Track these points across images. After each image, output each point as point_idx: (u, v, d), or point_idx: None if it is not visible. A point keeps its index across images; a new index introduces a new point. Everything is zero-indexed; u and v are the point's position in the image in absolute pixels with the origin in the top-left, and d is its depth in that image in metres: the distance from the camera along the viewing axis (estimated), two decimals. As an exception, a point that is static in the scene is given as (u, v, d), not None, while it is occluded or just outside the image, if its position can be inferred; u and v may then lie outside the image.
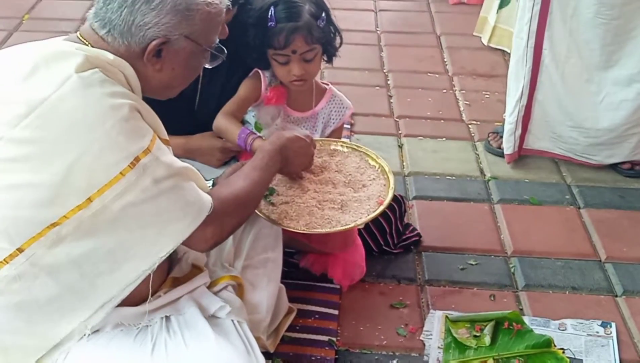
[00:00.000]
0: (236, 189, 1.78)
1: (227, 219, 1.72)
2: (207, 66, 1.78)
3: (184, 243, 1.63)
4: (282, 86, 2.36)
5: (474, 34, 4.41)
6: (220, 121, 2.33)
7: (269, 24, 2.23)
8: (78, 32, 1.67)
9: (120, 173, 1.51)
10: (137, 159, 1.52)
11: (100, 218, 1.51)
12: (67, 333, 1.60)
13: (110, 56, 1.60)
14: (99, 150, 1.50)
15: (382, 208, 2.12)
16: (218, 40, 2.14)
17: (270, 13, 2.22)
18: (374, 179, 2.24)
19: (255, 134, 2.25)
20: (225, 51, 1.77)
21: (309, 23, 2.23)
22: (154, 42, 1.61)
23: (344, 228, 2.08)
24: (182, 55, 1.67)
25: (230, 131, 2.31)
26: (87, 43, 1.64)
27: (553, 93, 2.99)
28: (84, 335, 1.61)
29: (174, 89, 1.76)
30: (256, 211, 2.02)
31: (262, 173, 1.89)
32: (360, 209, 2.13)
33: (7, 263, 1.52)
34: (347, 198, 2.15)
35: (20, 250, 1.51)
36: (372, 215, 2.11)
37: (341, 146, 2.35)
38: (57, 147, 1.50)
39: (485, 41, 4.31)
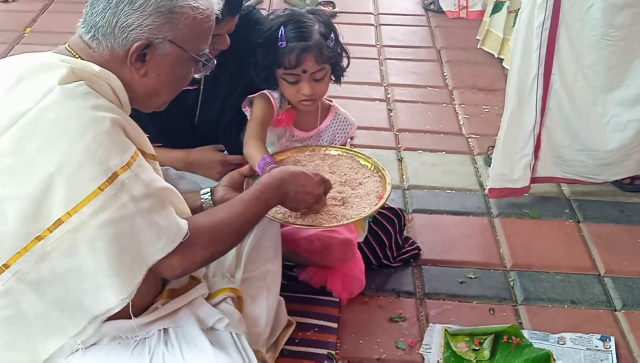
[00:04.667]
0: (215, 220, 1.71)
1: (198, 251, 1.65)
2: (196, 76, 1.76)
3: (151, 268, 1.59)
4: (292, 108, 2.37)
5: (477, 37, 4.44)
6: (248, 148, 2.29)
7: (280, 43, 2.23)
8: (67, 43, 1.67)
9: (99, 188, 1.50)
10: (115, 174, 1.51)
11: (79, 234, 1.50)
12: (57, 348, 1.59)
13: (97, 68, 1.60)
14: (78, 163, 1.49)
15: (383, 201, 2.14)
16: (220, 50, 2.17)
17: (280, 33, 2.23)
18: (368, 177, 2.26)
19: (274, 164, 2.20)
20: (215, 61, 1.76)
21: (319, 43, 2.23)
22: (136, 44, 1.60)
23: (350, 221, 2.10)
24: (167, 60, 1.65)
25: (254, 159, 2.25)
26: (74, 53, 1.63)
27: (561, 118, 2.95)
28: (76, 349, 1.60)
29: (161, 98, 1.74)
30: None
31: (249, 206, 1.78)
32: (361, 204, 2.15)
33: None
34: (346, 195, 2.17)
35: (6, 266, 1.52)
36: (375, 208, 2.13)
37: (332, 150, 2.37)
38: (38, 159, 1.49)
39: (479, 44, 4.37)
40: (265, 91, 2.34)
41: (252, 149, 2.27)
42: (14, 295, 1.54)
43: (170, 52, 1.65)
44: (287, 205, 1.98)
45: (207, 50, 1.73)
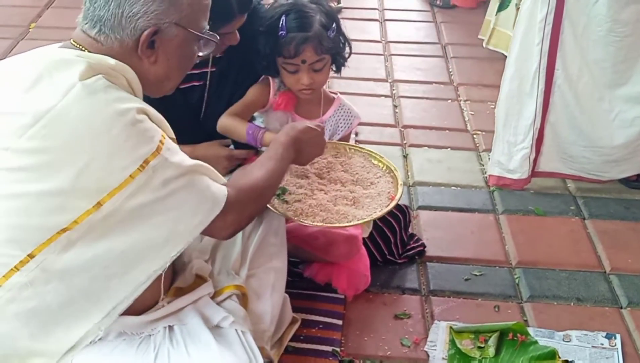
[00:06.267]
0: (253, 178, 1.83)
1: (245, 208, 1.76)
2: (200, 53, 1.78)
3: (204, 232, 1.68)
4: (291, 91, 2.37)
5: (479, 36, 4.43)
6: (225, 120, 2.35)
7: (280, 33, 2.24)
8: (71, 39, 1.67)
9: (130, 176, 1.52)
10: (146, 161, 1.53)
11: (111, 220, 1.52)
12: (81, 336, 1.60)
13: (112, 61, 1.61)
14: (107, 156, 1.51)
15: (394, 202, 2.17)
16: (228, 45, 2.19)
17: (281, 22, 2.24)
18: (380, 177, 2.29)
19: (263, 128, 2.28)
20: (217, 37, 1.78)
21: (320, 33, 2.24)
22: (145, 33, 1.62)
23: (360, 221, 2.12)
24: (175, 43, 1.67)
25: (237, 127, 2.33)
26: (82, 48, 1.64)
27: (566, 113, 2.95)
28: (98, 337, 1.61)
29: (171, 81, 1.76)
30: (271, 208, 2.07)
31: (277, 163, 1.92)
32: (373, 204, 2.17)
33: (18, 270, 1.52)
34: (358, 194, 2.20)
35: (31, 256, 1.52)
36: (387, 209, 2.15)
37: (344, 148, 2.39)
38: (65, 155, 1.50)
39: (484, 43, 4.35)
40: (268, 76, 2.37)
41: (228, 121, 2.35)
42: (39, 285, 1.54)
43: (178, 35, 1.67)
44: (298, 161, 2.09)
45: (208, 26, 1.76)
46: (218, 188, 1.69)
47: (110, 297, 1.58)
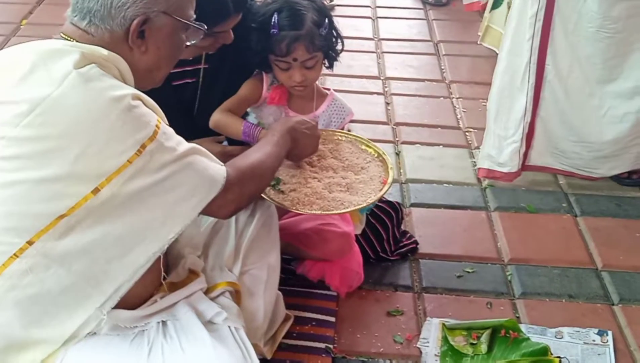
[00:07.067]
0: (251, 159, 1.87)
1: (245, 187, 1.79)
2: (187, 43, 1.79)
3: (205, 212, 1.70)
4: (284, 85, 2.37)
5: (479, 33, 4.42)
6: (219, 116, 2.34)
7: (272, 30, 2.23)
8: (60, 33, 1.68)
9: (128, 160, 1.53)
10: (143, 146, 1.55)
11: (109, 204, 1.53)
12: (83, 321, 1.60)
13: (105, 52, 1.62)
14: (104, 142, 1.52)
15: (388, 186, 2.19)
16: (222, 43, 2.19)
17: (273, 20, 2.23)
18: (370, 162, 2.31)
19: (259, 126, 2.30)
20: (205, 26, 1.79)
21: (311, 32, 2.23)
22: (135, 22, 1.63)
23: (357, 207, 2.14)
24: (164, 32, 1.69)
25: (232, 124, 2.33)
26: (72, 40, 1.64)
27: (556, 109, 2.96)
28: (102, 320, 1.62)
29: (161, 71, 1.77)
30: (267, 197, 2.09)
31: (275, 147, 1.97)
32: (366, 189, 2.19)
33: (18, 257, 1.52)
34: (350, 180, 2.21)
35: (30, 243, 1.52)
36: (381, 193, 2.17)
37: (331, 135, 2.40)
38: (62, 142, 1.51)
39: (479, 40, 4.35)
40: (261, 71, 2.38)
41: (221, 117, 2.34)
42: (39, 271, 1.54)
43: (166, 24, 1.68)
44: (294, 152, 2.11)
45: (194, 15, 1.77)
46: (216, 168, 1.72)
47: (111, 280, 1.59)
